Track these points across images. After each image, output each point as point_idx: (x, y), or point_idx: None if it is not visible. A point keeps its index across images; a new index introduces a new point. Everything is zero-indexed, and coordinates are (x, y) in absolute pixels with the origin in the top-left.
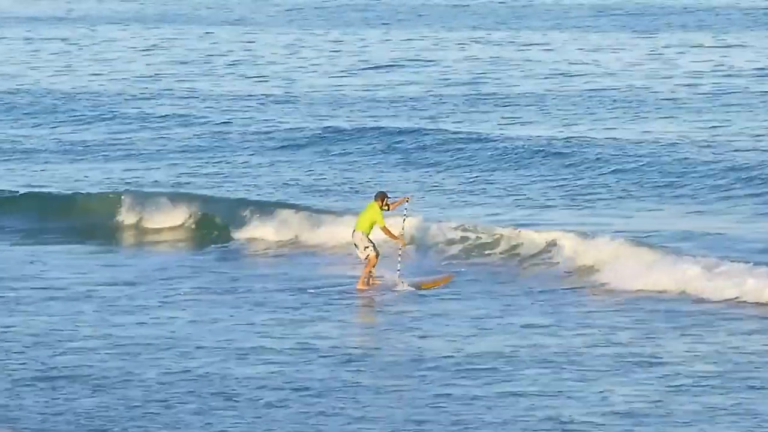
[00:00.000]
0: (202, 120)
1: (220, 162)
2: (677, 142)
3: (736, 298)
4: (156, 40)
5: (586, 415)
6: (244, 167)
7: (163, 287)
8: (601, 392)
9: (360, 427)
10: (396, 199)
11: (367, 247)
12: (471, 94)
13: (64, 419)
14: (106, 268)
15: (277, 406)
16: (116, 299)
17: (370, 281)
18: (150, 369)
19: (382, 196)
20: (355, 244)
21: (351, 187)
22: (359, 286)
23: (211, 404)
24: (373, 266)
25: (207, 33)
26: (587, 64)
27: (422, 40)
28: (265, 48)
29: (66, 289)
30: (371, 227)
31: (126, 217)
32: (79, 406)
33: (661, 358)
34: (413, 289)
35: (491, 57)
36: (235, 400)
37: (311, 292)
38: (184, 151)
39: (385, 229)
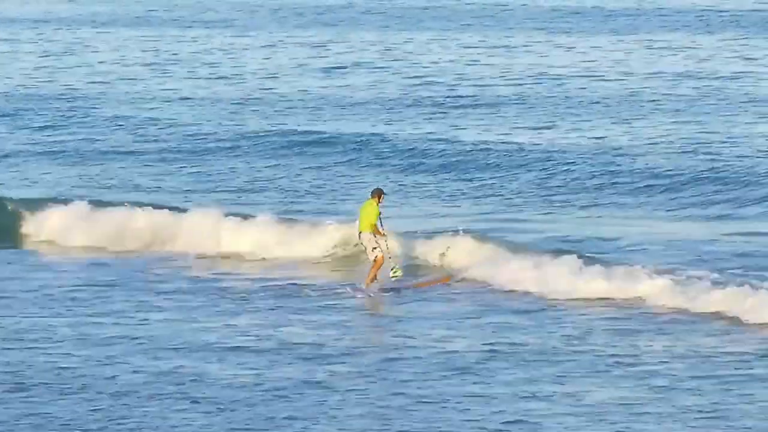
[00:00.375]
0: (155, 123)
1: (186, 167)
2: (617, 146)
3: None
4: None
5: (554, 416)
6: (195, 172)
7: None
8: (574, 393)
9: (324, 429)
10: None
11: (375, 248)
12: (418, 98)
13: (26, 424)
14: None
15: (242, 408)
16: (88, 301)
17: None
18: (122, 371)
19: (378, 193)
20: (363, 245)
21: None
22: (366, 285)
23: (176, 407)
24: (380, 266)
25: (161, 36)
26: (539, 66)
27: (373, 44)
28: (222, 49)
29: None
30: (373, 225)
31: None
32: (43, 409)
33: (639, 358)
34: (390, 292)
35: (445, 60)
36: (199, 402)
37: (287, 294)
38: (133, 153)
39: (374, 227)
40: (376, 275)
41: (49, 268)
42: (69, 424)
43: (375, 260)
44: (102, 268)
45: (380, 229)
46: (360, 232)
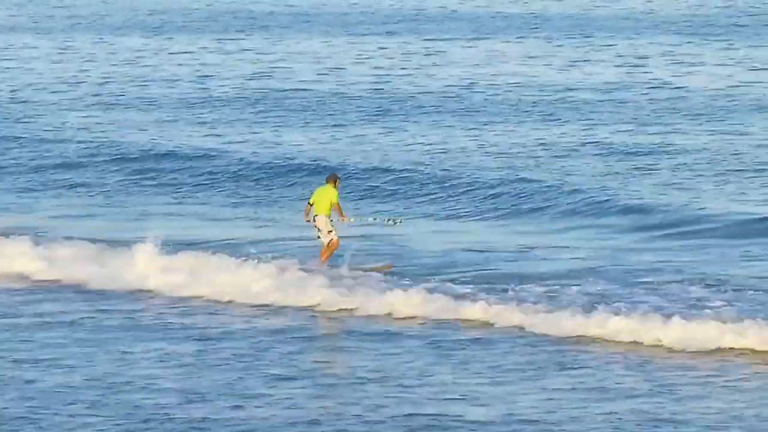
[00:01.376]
0: None
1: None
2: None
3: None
4: None
5: (485, 416)
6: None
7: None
8: (507, 396)
9: None
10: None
11: (331, 231)
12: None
13: None
14: None
15: (159, 413)
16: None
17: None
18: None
19: (334, 178)
20: (318, 228)
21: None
22: (322, 260)
23: (84, 412)
24: (334, 250)
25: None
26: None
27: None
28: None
29: None
30: (330, 208)
31: None
32: None
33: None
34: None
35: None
36: (107, 406)
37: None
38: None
39: (337, 206)
40: (328, 257)
41: None
42: None
43: (330, 243)
44: None
45: (343, 213)
46: (315, 216)
